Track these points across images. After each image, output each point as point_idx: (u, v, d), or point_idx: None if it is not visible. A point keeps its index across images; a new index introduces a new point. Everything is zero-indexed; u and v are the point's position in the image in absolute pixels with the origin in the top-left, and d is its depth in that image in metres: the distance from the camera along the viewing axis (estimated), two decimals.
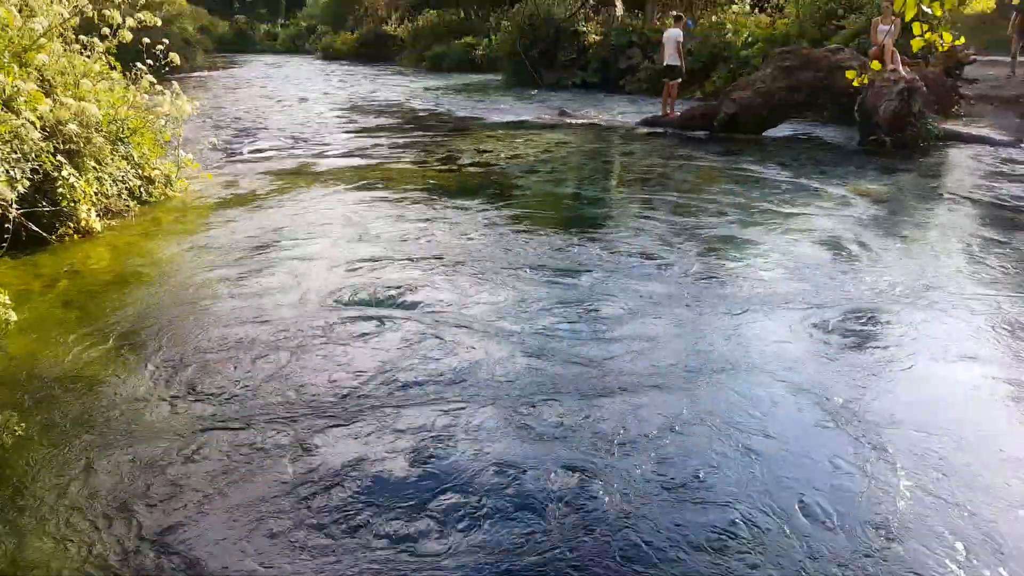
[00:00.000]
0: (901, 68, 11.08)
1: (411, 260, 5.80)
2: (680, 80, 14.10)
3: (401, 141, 12.34)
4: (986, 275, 5.52)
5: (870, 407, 3.52)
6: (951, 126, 11.89)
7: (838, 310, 4.76)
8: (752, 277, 5.43)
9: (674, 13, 18.52)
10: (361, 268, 5.59)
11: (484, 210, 7.44)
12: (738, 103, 12.05)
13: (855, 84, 4.19)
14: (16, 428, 3.31)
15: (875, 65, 3.61)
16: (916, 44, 2.90)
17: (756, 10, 20.71)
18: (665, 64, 13.93)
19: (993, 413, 3.53)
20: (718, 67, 17.51)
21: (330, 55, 43.18)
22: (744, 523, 2.65)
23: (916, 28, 2.80)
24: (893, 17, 11.27)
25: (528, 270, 5.55)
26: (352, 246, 6.19)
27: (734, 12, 20.22)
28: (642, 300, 4.95)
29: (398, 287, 5.16)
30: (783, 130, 12.70)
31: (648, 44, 20.80)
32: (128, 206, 7.03)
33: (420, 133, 13.44)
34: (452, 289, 5.15)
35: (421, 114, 16.58)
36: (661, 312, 4.75)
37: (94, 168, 6.50)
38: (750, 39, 17.18)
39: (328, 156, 10.82)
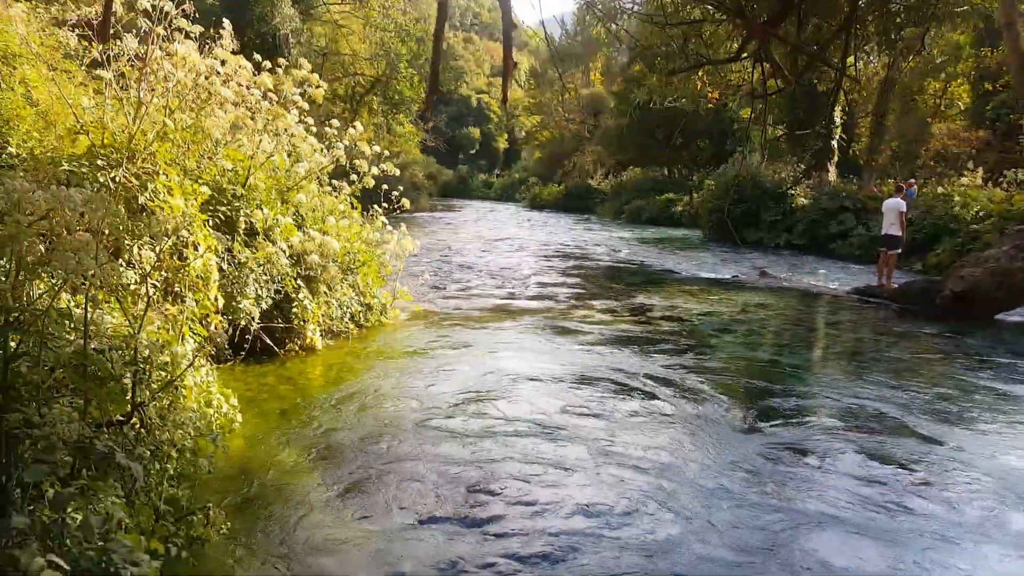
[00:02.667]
0: None
1: (587, 432, 5.74)
2: (899, 251, 13.31)
3: (595, 288, 12.66)
4: None
5: None
6: None
7: None
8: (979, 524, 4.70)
9: (896, 181, 17.81)
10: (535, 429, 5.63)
11: (672, 368, 7.27)
12: (967, 280, 11.00)
13: None
14: (223, 526, 3.58)
15: None
16: None
17: (989, 183, 19.30)
18: (884, 233, 13.26)
19: None
20: (942, 240, 16.32)
21: (537, 204, 46.36)
22: None
23: None
24: None
25: (711, 458, 5.26)
26: (532, 402, 6.28)
27: (963, 184, 18.96)
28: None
29: (561, 463, 5.10)
30: (1018, 315, 11.32)
31: (863, 210, 20.02)
32: (347, 328, 7.76)
33: (614, 282, 13.73)
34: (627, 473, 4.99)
35: (616, 263, 17.01)
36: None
37: (325, 293, 7.33)
38: (981, 213, 15.92)
39: (524, 298, 11.34)
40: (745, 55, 7.25)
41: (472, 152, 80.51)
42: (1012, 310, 11.17)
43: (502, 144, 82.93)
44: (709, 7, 7.87)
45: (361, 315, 8.12)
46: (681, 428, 5.50)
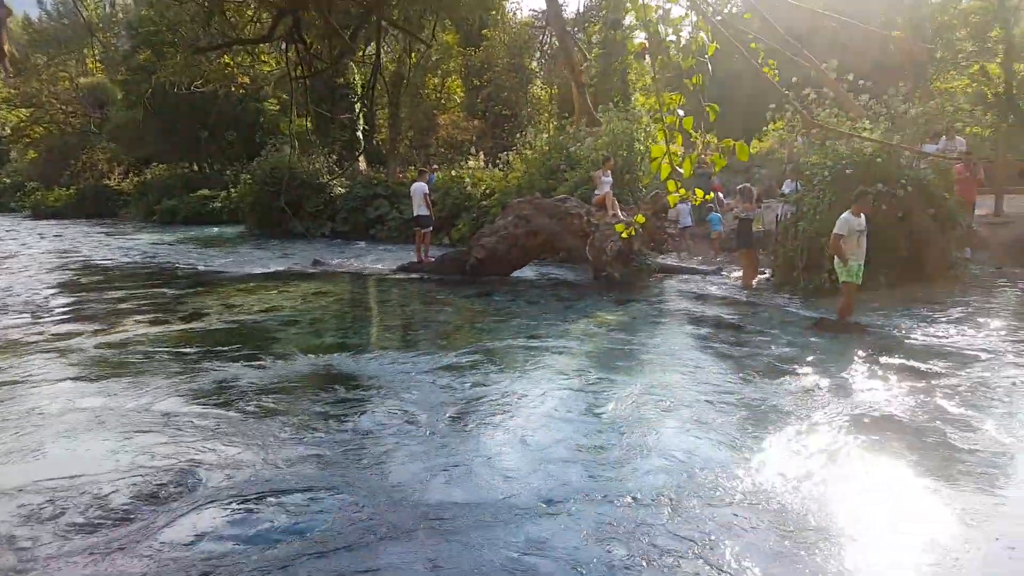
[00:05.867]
0: (620, 212, 12.75)
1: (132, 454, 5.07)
2: (430, 228, 14.82)
3: (137, 301, 11.16)
4: (705, 378, 6.26)
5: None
6: (666, 259, 13.79)
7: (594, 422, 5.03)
8: (515, 415, 5.56)
9: (417, 167, 19.75)
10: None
11: (242, 370, 6.84)
12: (486, 248, 12.86)
13: (623, 236, 4.57)
14: None
15: (620, 229, 4.16)
16: (672, 200, 3.32)
17: (489, 164, 22.81)
18: (415, 214, 14.60)
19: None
20: (462, 216, 18.74)
21: (43, 212, 38.86)
22: None
23: (671, 186, 3.20)
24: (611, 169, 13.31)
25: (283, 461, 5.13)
26: (61, 443, 5.27)
27: (470, 167, 22.03)
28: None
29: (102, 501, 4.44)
30: (528, 271, 13.74)
31: (394, 196, 21.74)
32: None
33: (159, 290, 12.32)
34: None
35: (158, 269, 15.30)
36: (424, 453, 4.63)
37: None
38: (487, 190, 18.74)
39: (45, 322, 9.39)
40: (276, 36, 7.05)
41: None
42: (522, 267, 13.49)
43: None
44: None
45: None
46: (255, 422, 5.20)
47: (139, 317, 9.78)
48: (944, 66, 20.57)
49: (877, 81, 12.38)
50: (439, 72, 34.89)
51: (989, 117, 16.47)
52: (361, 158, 27.54)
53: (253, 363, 7.16)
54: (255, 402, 5.90)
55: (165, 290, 12.38)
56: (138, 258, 17.76)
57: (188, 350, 7.79)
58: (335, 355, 7.58)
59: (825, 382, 6.32)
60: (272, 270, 14.76)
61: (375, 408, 5.77)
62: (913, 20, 19.82)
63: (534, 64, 32.78)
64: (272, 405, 5.83)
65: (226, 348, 7.88)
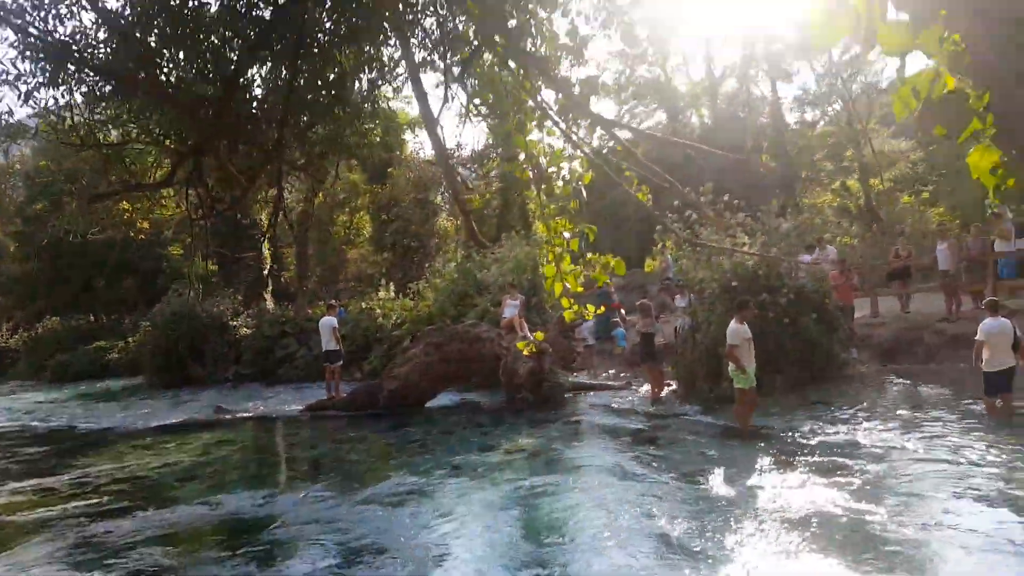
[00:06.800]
0: (529, 333, 12.97)
1: None
2: (341, 363, 14.56)
3: (19, 466, 10.26)
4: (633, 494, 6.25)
5: None
6: (576, 378, 13.97)
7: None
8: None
9: (325, 302, 19.65)
10: None
11: (131, 539, 6.30)
12: (399, 378, 12.71)
13: (525, 352, 4.77)
14: None
15: (522, 346, 4.33)
16: (568, 316, 3.51)
17: (399, 295, 22.94)
18: (325, 349, 14.34)
19: None
20: (373, 347, 18.55)
21: None
22: None
23: (565, 303, 3.40)
24: (519, 295, 13.69)
25: None
26: None
27: (380, 298, 22.09)
28: None
29: None
30: (443, 399, 13.59)
31: (302, 333, 21.34)
32: None
33: (45, 454, 11.38)
34: None
35: (45, 431, 14.19)
36: None
37: None
38: (399, 320, 18.75)
39: None
40: (177, 180, 7.06)
41: None
42: (437, 395, 13.33)
43: None
44: (131, 129, 7.42)
45: None
46: None
47: (23, 483, 8.96)
48: (810, 184, 22.76)
49: (751, 199, 13.52)
50: (347, 209, 35.56)
51: (855, 227, 18.12)
52: (268, 296, 27.17)
53: (141, 520, 6.64)
54: (143, 561, 5.43)
55: (55, 452, 11.45)
56: (21, 419, 16.46)
57: (69, 513, 7.15)
58: (236, 507, 7.13)
59: (742, 487, 6.45)
60: (170, 422, 13.95)
61: (283, 559, 5.41)
62: (776, 145, 22.04)
63: (439, 199, 33.94)
64: (165, 561, 5.38)
65: (114, 508, 7.29)
